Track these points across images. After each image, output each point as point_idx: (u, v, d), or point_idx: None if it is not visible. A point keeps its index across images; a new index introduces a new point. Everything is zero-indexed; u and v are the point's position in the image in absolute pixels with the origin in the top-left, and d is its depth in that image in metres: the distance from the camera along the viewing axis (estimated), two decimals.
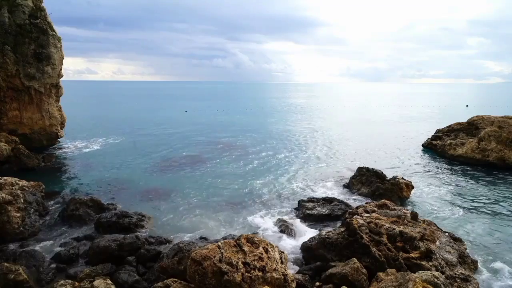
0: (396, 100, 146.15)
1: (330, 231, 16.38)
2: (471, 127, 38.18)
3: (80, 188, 26.08)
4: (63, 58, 36.65)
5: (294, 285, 11.96)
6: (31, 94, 34.23)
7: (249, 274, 11.17)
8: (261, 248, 12.23)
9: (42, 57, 33.84)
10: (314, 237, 16.76)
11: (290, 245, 17.56)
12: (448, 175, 30.09)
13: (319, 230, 18.33)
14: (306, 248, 15.85)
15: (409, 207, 21.44)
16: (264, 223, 20.11)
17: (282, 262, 12.33)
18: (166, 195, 24.60)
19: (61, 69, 36.50)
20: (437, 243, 15.01)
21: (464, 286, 12.90)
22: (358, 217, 16.24)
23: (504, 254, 16.55)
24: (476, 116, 39.64)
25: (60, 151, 37.96)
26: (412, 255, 13.82)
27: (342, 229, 15.79)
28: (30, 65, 33.23)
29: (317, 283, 13.42)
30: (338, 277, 12.85)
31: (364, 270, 13.24)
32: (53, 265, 15.15)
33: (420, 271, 11.89)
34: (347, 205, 21.21)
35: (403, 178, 24.58)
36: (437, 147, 38.34)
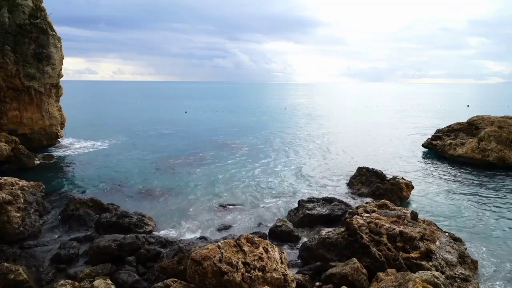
0: (396, 100, 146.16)
1: (330, 231, 16.37)
2: (471, 127, 38.18)
3: (80, 188, 26.09)
4: (63, 58, 36.66)
5: (294, 285, 11.95)
6: (31, 94, 34.23)
7: (249, 274, 11.17)
8: (261, 248, 12.23)
9: (42, 57, 33.84)
10: (314, 237, 16.77)
11: (290, 245, 17.57)
12: (448, 175, 30.08)
13: (319, 230, 18.32)
14: (306, 248, 15.85)
15: (409, 207, 21.43)
16: (264, 223, 20.12)
17: (282, 262, 12.32)
18: (166, 195, 24.61)
19: (61, 69, 36.51)
20: (437, 243, 15.00)
21: (464, 286, 12.90)
22: (358, 217, 16.23)
23: (504, 254, 16.55)
24: (476, 116, 39.64)
25: (60, 151, 37.96)
26: (412, 255, 13.82)
27: (342, 229, 15.78)
28: (30, 65, 33.23)
29: (317, 283, 13.41)
30: (338, 277, 12.84)
31: (364, 270, 13.24)
32: (53, 265, 15.16)
33: (420, 271, 11.89)
34: (347, 205, 21.20)
35: (403, 178, 24.57)
36: (437, 147, 38.31)
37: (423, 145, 41.23)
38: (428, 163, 34.63)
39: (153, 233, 18.79)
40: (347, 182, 27.36)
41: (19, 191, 19.16)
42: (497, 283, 14.28)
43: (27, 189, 20.27)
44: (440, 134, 40.52)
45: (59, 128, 37.76)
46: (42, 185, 22.10)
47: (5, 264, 13.63)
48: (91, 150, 39.31)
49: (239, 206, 22.87)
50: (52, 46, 34.51)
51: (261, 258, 11.79)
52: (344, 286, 12.37)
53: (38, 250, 16.49)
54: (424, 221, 16.71)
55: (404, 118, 74.84)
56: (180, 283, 12.09)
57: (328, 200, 21.95)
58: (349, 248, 14.68)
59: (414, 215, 16.66)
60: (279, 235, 18.10)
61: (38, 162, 32.03)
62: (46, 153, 34.78)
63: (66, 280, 13.30)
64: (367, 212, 17.30)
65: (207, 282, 10.99)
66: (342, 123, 66.41)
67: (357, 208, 18.44)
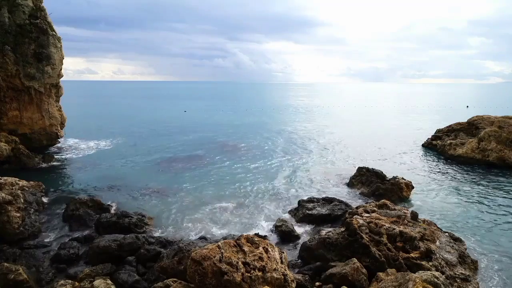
0: (396, 100, 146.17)
1: (330, 231, 16.38)
2: (471, 127, 38.21)
3: (80, 188, 26.08)
4: (63, 58, 36.61)
5: (294, 285, 11.96)
6: (31, 94, 34.20)
7: (249, 274, 11.17)
8: (261, 248, 12.23)
9: (42, 57, 33.81)
10: (314, 237, 16.77)
11: (290, 245, 17.57)
12: (448, 175, 30.08)
13: (319, 230, 18.33)
14: (306, 248, 15.85)
15: (409, 207, 21.43)
16: (264, 223, 20.12)
17: (282, 262, 12.33)
18: (166, 195, 24.60)
19: (61, 69, 36.47)
20: (437, 243, 15.01)
21: (464, 286, 12.91)
22: (358, 217, 16.24)
23: (504, 254, 16.54)
24: (476, 116, 39.67)
25: (60, 151, 37.96)
26: (412, 255, 13.82)
27: (342, 229, 15.79)
28: (30, 65, 33.20)
29: (317, 283, 13.42)
30: (338, 277, 12.85)
31: (364, 270, 13.24)
32: (53, 265, 15.17)
33: (420, 271, 11.90)
34: (347, 205, 21.21)
35: (403, 178, 24.58)
36: (437, 147, 38.34)
37: (423, 145, 41.27)
38: (428, 163, 34.62)
39: (153, 233, 18.80)
40: (347, 182, 27.36)
41: (19, 191, 19.18)
42: (497, 283, 14.28)
43: (27, 189, 20.29)
44: (440, 134, 40.56)
45: (59, 128, 37.72)
46: (42, 185, 22.11)
47: (5, 264, 13.64)
48: (91, 150, 39.31)
49: (239, 206, 22.85)
50: (52, 46, 34.48)
51: (261, 258, 11.80)
52: (344, 286, 12.38)
53: (38, 250, 16.51)
54: (424, 221, 16.73)
55: (404, 118, 74.84)
56: (180, 283, 12.10)
57: (328, 200, 21.96)
58: (349, 248, 14.69)
59: (414, 215, 16.67)
60: (279, 235, 18.11)
61: (38, 162, 32.00)
62: (46, 153, 34.78)
63: (66, 280, 13.32)
64: (367, 212, 17.30)
65: (207, 282, 11.00)
66: (341, 123, 66.37)
67: (357, 208, 18.45)
